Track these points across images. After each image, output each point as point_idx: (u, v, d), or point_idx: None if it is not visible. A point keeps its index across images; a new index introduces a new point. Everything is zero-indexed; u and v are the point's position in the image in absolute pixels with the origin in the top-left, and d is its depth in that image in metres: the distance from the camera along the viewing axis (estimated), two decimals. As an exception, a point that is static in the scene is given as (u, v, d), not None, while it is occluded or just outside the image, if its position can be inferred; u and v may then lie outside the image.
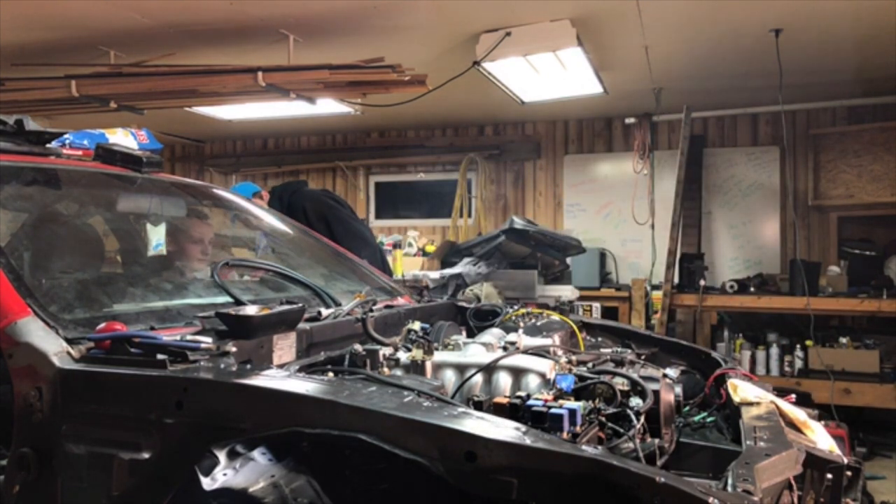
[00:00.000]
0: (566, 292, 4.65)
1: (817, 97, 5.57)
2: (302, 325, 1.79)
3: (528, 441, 1.14)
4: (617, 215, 6.57)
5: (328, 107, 5.11)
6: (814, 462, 1.48)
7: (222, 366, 1.42)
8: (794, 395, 1.85)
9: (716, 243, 6.29)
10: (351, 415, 1.21)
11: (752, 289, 5.14)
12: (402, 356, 1.75)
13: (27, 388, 1.42)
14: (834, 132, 5.60)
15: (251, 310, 1.66)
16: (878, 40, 4.18)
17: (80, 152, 2.55)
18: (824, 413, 2.13)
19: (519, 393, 1.51)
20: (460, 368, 1.72)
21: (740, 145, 6.27)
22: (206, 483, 1.33)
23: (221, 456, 1.35)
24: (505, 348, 1.86)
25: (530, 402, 1.40)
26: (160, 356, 1.41)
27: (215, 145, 8.07)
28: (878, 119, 5.51)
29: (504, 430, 1.17)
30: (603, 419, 1.47)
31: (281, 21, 3.96)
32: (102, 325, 1.51)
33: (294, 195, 4.13)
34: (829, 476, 1.53)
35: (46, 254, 1.98)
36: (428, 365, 1.71)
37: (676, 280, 5.16)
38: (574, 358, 1.84)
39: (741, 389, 1.77)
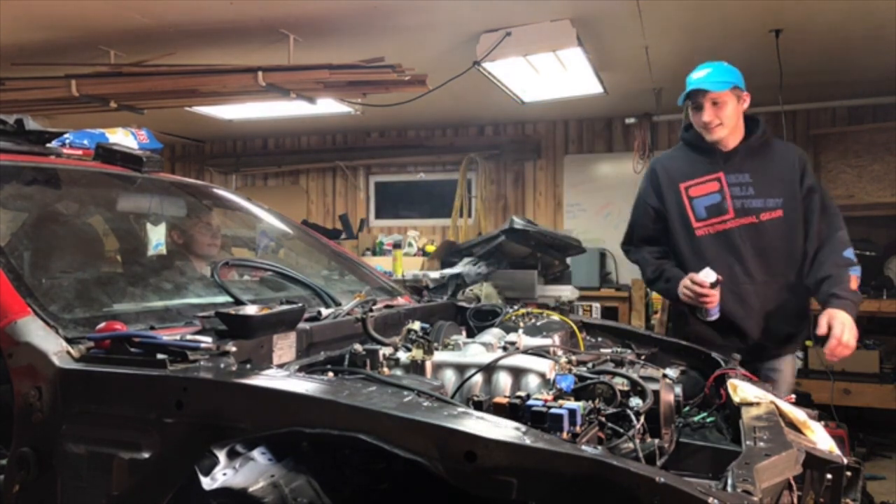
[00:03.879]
0: (566, 292, 4.64)
1: (817, 97, 5.56)
2: (302, 325, 1.78)
3: (527, 441, 1.13)
4: (617, 215, 6.56)
5: (328, 107, 5.11)
6: (814, 462, 1.48)
7: (222, 365, 1.41)
8: (794, 396, 1.85)
9: (716, 243, 6.27)
10: (351, 415, 1.21)
11: (752, 289, 5.11)
12: (402, 356, 1.74)
13: (27, 388, 1.42)
14: (834, 132, 5.59)
15: (251, 309, 1.66)
16: (878, 40, 4.18)
17: (80, 152, 2.54)
18: (824, 413, 2.13)
19: (519, 393, 1.51)
20: (460, 368, 1.72)
21: (740, 145, 6.26)
22: (206, 483, 1.33)
23: (221, 456, 1.36)
24: (505, 348, 1.86)
25: (530, 402, 1.40)
26: (160, 356, 1.40)
27: (215, 145, 8.06)
28: (878, 119, 5.51)
29: (504, 429, 1.17)
30: (603, 419, 1.46)
31: (281, 21, 3.96)
32: (102, 325, 1.51)
33: None
34: (829, 476, 1.52)
35: (46, 253, 1.98)
36: (428, 365, 1.70)
37: (676, 280, 5.14)
38: (574, 358, 1.83)
39: (741, 389, 1.76)
